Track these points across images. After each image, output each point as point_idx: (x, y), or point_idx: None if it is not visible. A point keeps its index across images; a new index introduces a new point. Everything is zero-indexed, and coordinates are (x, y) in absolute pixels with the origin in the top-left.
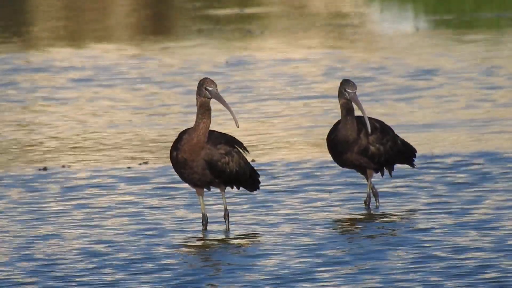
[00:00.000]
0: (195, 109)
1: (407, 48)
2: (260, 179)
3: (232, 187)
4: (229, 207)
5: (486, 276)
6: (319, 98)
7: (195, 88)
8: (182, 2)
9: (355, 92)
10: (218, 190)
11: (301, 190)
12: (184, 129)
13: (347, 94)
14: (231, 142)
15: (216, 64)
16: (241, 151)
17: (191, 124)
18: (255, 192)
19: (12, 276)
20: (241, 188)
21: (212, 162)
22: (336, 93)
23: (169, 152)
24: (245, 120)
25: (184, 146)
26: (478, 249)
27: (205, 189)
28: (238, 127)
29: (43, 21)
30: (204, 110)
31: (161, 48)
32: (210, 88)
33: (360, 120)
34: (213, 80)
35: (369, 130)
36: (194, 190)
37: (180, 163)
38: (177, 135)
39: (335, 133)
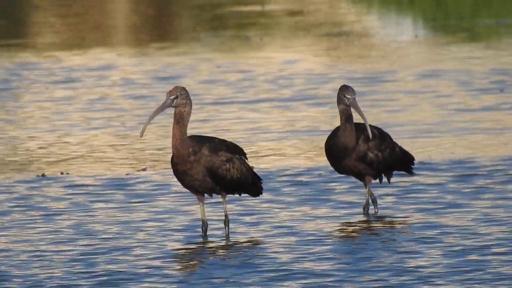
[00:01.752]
0: (192, 114)
1: (405, 54)
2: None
3: (234, 194)
4: (229, 214)
5: (487, 277)
6: (317, 104)
7: (192, 92)
8: (182, 7)
9: (355, 97)
10: (219, 196)
11: (299, 196)
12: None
13: (346, 100)
14: (233, 149)
15: (213, 69)
16: (243, 158)
17: (189, 130)
18: (255, 199)
19: (7, 280)
20: (242, 194)
21: (212, 169)
22: (334, 99)
23: (166, 158)
24: (242, 126)
25: (175, 159)
26: (478, 253)
27: (206, 196)
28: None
29: (43, 23)
30: (175, 118)
31: (159, 52)
32: None
33: (359, 126)
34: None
35: (370, 135)
36: (194, 196)
37: (180, 172)
38: None
39: (334, 140)
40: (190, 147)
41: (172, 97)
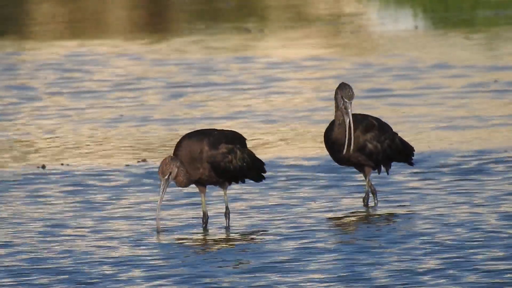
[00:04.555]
0: (190, 108)
1: (405, 46)
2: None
3: (237, 182)
4: (229, 205)
5: (485, 273)
6: (317, 96)
7: (192, 86)
8: (178, 1)
9: (351, 102)
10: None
11: (300, 188)
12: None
13: (341, 103)
14: (232, 139)
15: (214, 62)
16: (243, 146)
17: (188, 122)
18: (255, 190)
19: (9, 270)
20: (242, 185)
21: (214, 163)
22: (333, 90)
23: (167, 148)
24: (244, 119)
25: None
26: (477, 246)
27: (208, 186)
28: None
29: (41, 16)
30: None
31: (157, 45)
32: None
33: (356, 117)
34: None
35: (345, 150)
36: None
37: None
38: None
39: (331, 134)
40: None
41: (166, 177)
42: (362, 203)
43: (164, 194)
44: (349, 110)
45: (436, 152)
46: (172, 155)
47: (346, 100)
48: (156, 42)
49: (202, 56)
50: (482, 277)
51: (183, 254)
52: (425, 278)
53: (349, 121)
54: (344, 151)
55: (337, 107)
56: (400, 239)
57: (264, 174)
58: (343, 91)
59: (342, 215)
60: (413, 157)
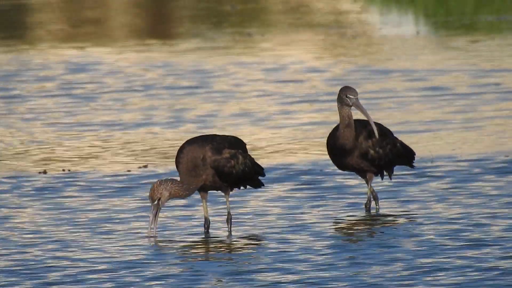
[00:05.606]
0: (190, 112)
1: (407, 51)
2: (262, 180)
3: (239, 188)
4: (231, 211)
5: (486, 278)
6: (319, 100)
7: (193, 89)
8: (181, 4)
9: (357, 97)
10: (220, 193)
11: (301, 193)
12: (184, 139)
13: (349, 100)
14: (234, 144)
15: (216, 67)
16: (245, 151)
17: (190, 126)
18: (256, 196)
19: (10, 271)
20: (243, 189)
21: (218, 168)
22: (334, 95)
23: (168, 154)
24: (245, 123)
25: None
26: (480, 247)
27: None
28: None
29: (43, 21)
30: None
31: (159, 48)
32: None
33: (360, 123)
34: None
35: (377, 134)
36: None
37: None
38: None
39: (334, 140)
40: (193, 185)
41: (155, 203)
42: (364, 208)
43: (157, 218)
44: (359, 103)
45: (437, 156)
46: (161, 179)
47: (351, 96)
48: (158, 45)
49: (203, 60)
50: (484, 277)
51: (184, 258)
52: (428, 279)
53: (365, 111)
54: (377, 136)
55: (341, 113)
56: (402, 243)
57: (263, 180)
58: (347, 91)
59: (344, 221)
60: (414, 160)
